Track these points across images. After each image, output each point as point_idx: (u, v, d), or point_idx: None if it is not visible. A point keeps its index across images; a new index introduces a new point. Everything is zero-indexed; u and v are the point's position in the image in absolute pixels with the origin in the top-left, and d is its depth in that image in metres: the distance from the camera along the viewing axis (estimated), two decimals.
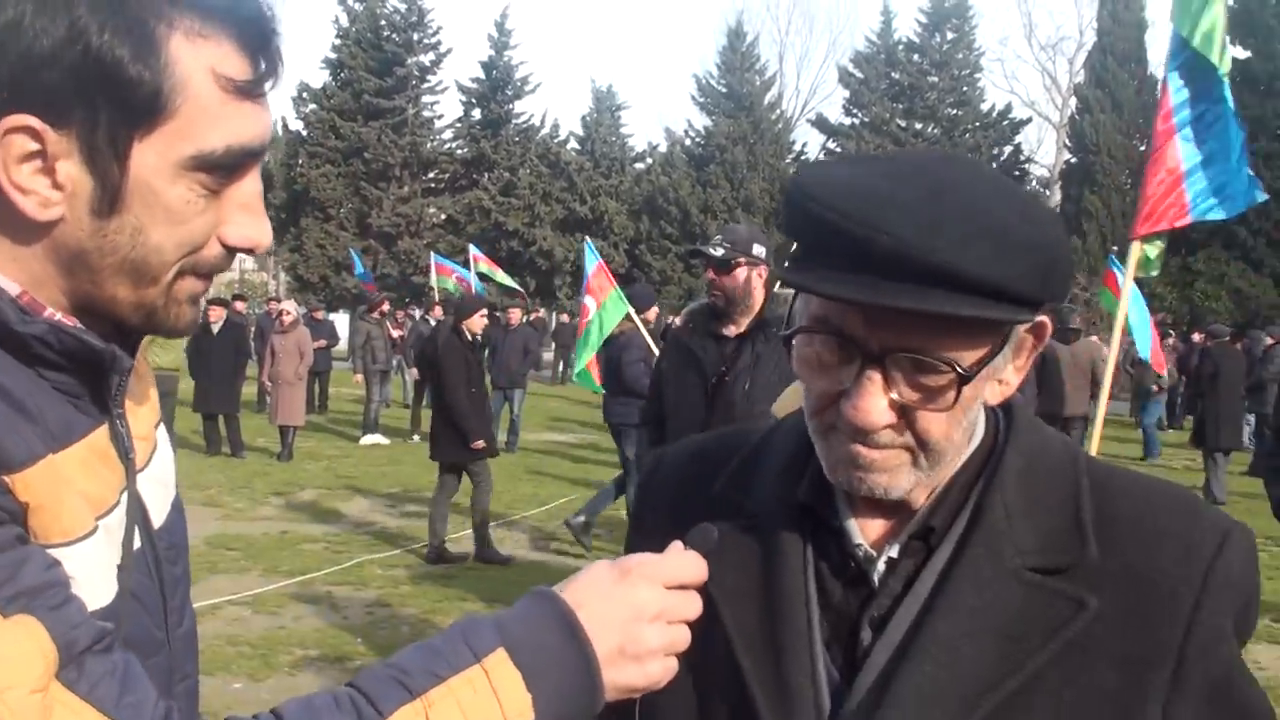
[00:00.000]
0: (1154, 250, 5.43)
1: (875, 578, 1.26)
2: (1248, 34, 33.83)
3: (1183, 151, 5.07)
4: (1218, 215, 4.94)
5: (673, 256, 42.16)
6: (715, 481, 1.39)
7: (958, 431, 1.21)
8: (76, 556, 1.10)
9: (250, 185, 1.19)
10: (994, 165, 39.65)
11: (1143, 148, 40.62)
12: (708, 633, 1.25)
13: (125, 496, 1.21)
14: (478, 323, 10.02)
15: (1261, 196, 5.35)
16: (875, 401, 1.16)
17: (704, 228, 38.79)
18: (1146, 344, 12.94)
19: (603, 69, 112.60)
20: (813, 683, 1.25)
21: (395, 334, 20.94)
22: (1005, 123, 44.81)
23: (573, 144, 46.67)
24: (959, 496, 1.27)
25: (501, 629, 1.12)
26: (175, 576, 1.31)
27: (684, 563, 1.20)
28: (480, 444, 9.56)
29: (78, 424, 1.15)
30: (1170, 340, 22.02)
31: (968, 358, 1.16)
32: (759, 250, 4.93)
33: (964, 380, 1.16)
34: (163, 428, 1.38)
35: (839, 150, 43.39)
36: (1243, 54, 33.95)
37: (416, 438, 17.44)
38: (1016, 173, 43.06)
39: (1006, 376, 1.25)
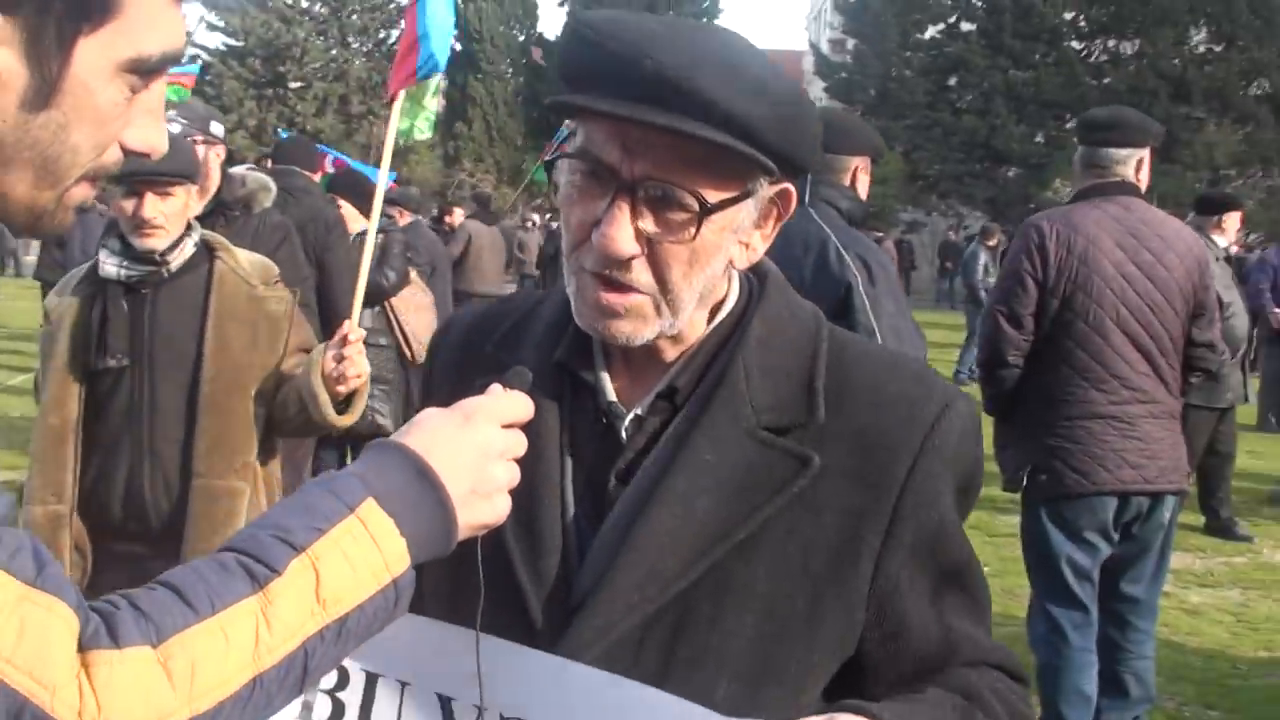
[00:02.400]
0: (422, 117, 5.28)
1: (623, 433, 1.35)
2: None
3: (417, 22, 4.98)
4: (421, 76, 4.61)
5: None
6: (487, 343, 1.45)
7: (697, 278, 1.29)
8: None
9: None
10: (384, 49, 44.19)
11: (521, 37, 48.51)
12: None
13: None
14: None
15: (450, 36, 5.26)
16: (623, 229, 1.23)
17: None
18: None
19: None
20: (562, 529, 1.34)
21: None
22: (392, 5, 48.95)
23: None
24: (705, 359, 1.36)
25: (364, 481, 1.14)
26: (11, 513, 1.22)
27: (515, 402, 1.24)
28: None
29: None
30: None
31: (712, 195, 1.24)
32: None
33: (705, 212, 1.24)
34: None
35: None
36: None
37: None
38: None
39: (752, 241, 1.34)
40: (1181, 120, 32.95)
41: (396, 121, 3.94)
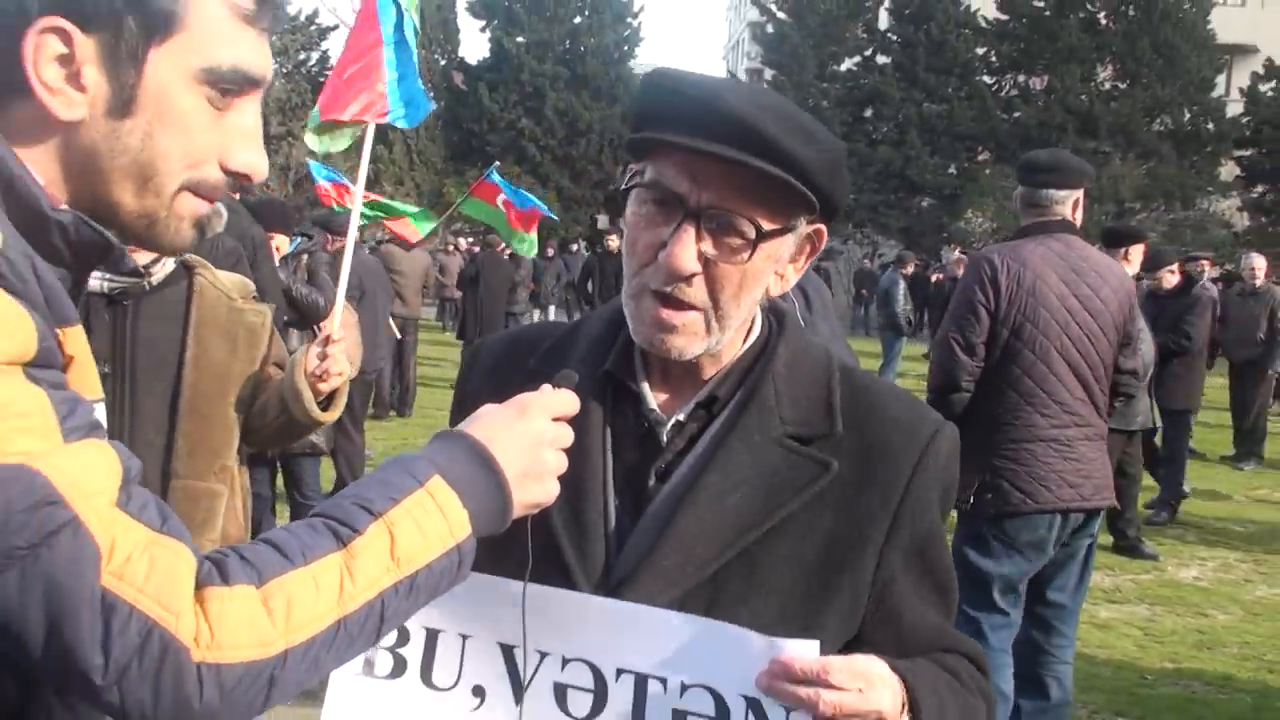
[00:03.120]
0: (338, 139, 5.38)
1: (664, 437, 1.55)
2: None
3: (387, 61, 5.18)
4: (404, 124, 5.05)
5: None
6: (530, 359, 1.62)
7: (745, 300, 1.49)
8: (97, 414, 1.23)
9: (252, 116, 1.32)
10: (304, 70, 44.25)
11: (443, 61, 48.24)
12: None
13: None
14: None
15: (431, 106, 6.03)
16: (687, 249, 1.42)
17: None
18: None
19: None
20: (604, 519, 1.52)
21: None
22: (313, 27, 48.72)
23: None
24: (739, 377, 1.57)
25: (433, 461, 1.30)
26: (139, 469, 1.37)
27: (564, 398, 1.41)
28: None
29: (77, 315, 1.25)
30: None
31: (765, 224, 1.44)
32: None
33: (759, 238, 1.44)
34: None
35: None
36: None
37: None
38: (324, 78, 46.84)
39: (786, 272, 1.55)
40: (1088, 154, 33.96)
41: (370, 146, 4.16)
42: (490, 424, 1.36)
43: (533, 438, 1.37)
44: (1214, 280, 13.86)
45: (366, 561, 1.22)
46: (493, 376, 1.61)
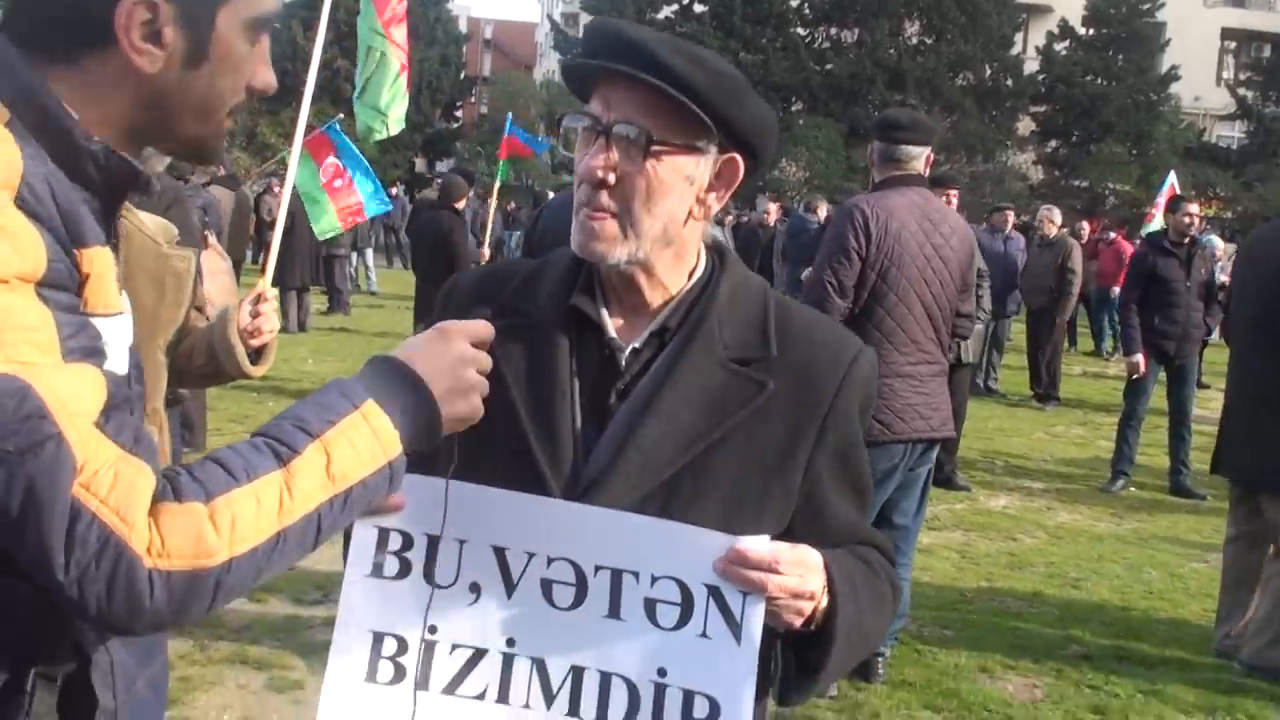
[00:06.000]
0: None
1: (622, 362, 1.74)
2: None
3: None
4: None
5: None
6: (502, 294, 1.81)
7: (655, 209, 1.67)
8: (113, 328, 1.40)
9: (267, 42, 1.54)
10: None
11: None
12: (500, 399, 1.67)
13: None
14: None
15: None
16: (597, 158, 1.65)
17: None
18: None
19: None
20: (572, 433, 1.71)
21: None
22: None
23: None
24: (686, 308, 1.76)
25: (367, 385, 1.45)
26: (137, 393, 1.54)
27: (480, 325, 1.57)
28: None
29: (103, 240, 1.42)
30: None
31: (659, 134, 1.64)
32: None
33: (649, 143, 1.63)
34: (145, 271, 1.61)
35: None
36: None
37: None
38: None
39: (707, 200, 1.74)
40: (896, 107, 35.16)
41: (306, 112, 4.22)
42: (416, 348, 1.52)
43: (454, 357, 1.52)
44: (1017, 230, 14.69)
45: (304, 479, 1.36)
46: (467, 311, 1.72)
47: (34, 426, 1.23)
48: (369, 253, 23.54)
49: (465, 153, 44.30)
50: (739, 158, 1.73)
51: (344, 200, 8.75)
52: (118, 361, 1.41)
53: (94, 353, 1.33)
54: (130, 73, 1.42)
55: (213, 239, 7.10)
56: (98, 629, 1.45)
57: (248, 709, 4.71)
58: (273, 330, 3.26)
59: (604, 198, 1.68)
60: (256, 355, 3.26)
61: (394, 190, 31.49)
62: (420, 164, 45.28)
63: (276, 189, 21.21)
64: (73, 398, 1.26)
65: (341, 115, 10.00)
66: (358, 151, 9.00)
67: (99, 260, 1.38)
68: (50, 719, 1.47)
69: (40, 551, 1.24)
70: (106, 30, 1.39)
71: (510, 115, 14.64)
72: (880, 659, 5.31)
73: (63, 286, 1.31)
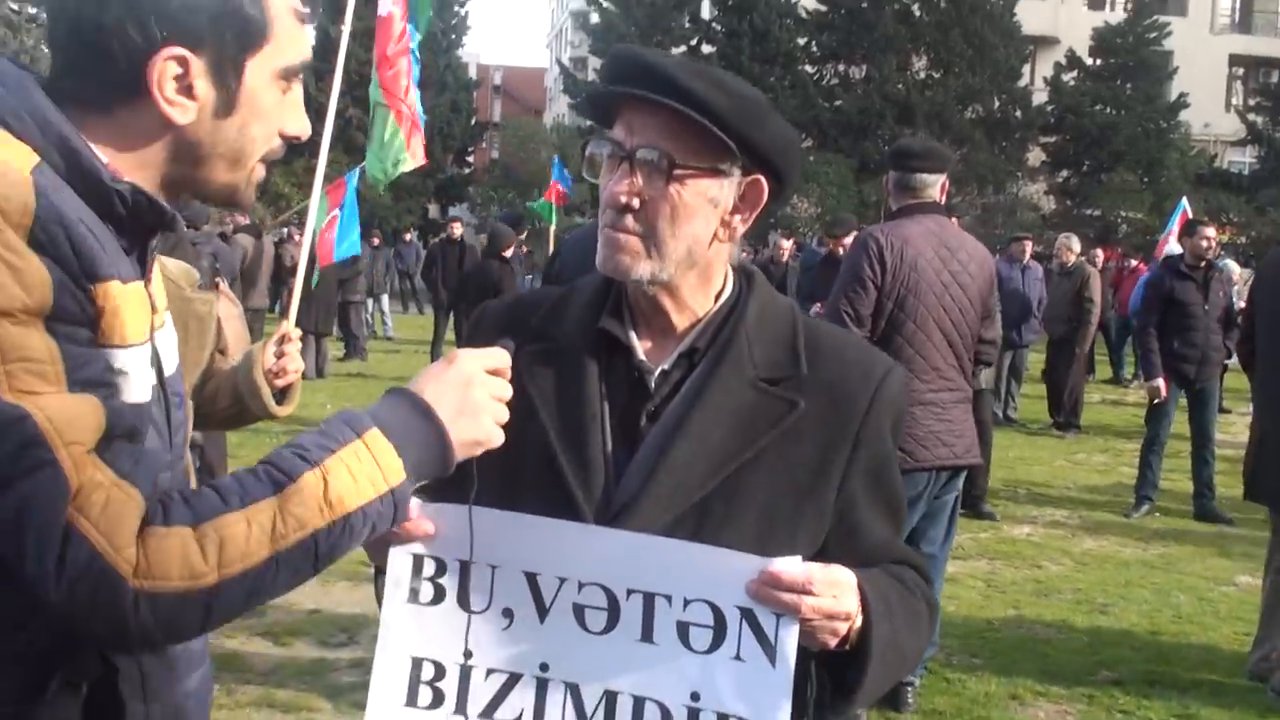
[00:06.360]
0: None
1: (651, 384, 1.74)
2: None
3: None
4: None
5: None
6: (532, 319, 1.82)
7: (680, 231, 1.68)
8: (132, 358, 1.45)
9: (299, 90, 1.59)
10: None
11: None
12: (531, 424, 1.69)
13: (154, 337, 1.55)
14: None
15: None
16: (622, 183, 1.66)
17: None
18: None
19: None
20: (604, 455, 1.71)
21: None
22: None
23: None
24: (715, 329, 1.76)
25: (373, 414, 1.49)
26: (178, 420, 1.63)
27: (493, 351, 1.60)
28: None
29: (132, 272, 1.49)
30: None
31: (681, 158, 1.65)
32: None
33: (672, 166, 1.64)
34: (170, 314, 1.70)
35: None
36: None
37: None
38: None
39: (732, 222, 1.74)
40: (909, 137, 35.21)
41: (324, 161, 4.35)
42: (425, 376, 1.56)
43: (462, 380, 1.54)
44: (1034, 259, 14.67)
45: (299, 506, 1.40)
46: (493, 339, 1.74)
47: (32, 454, 1.30)
48: (384, 299, 23.68)
49: (478, 198, 44.52)
50: (763, 179, 1.73)
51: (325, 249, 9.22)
52: (138, 390, 1.47)
53: (102, 384, 1.39)
54: (163, 123, 1.49)
55: (224, 285, 7.12)
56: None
57: None
58: (298, 370, 3.29)
59: (629, 221, 1.68)
60: (281, 395, 3.28)
61: (408, 236, 31.68)
62: (433, 210, 45.49)
63: (297, 237, 21.44)
64: (69, 427, 1.32)
65: (363, 165, 10.22)
66: (355, 202, 9.28)
67: (117, 294, 1.43)
68: None
69: (34, 570, 1.31)
70: (139, 83, 1.47)
71: (557, 158, 15.10)
72: (910, 688, 5.28)
73: (73, 320, 1.38)
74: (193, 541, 1.35)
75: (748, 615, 1.57)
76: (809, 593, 1.55)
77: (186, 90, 1.48)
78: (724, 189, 1.71)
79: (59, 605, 1.32)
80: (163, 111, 1.48)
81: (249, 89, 1.53)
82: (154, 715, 1.59)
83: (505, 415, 1.59)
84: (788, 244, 18.90)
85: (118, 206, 1.47)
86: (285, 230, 24.12)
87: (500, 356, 1.61)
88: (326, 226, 9.21)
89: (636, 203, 1.68)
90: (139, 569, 1.32)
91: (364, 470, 1.44)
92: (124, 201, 1.47)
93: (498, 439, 1.58)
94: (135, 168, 1.51)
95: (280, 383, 3.25)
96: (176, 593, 1.34)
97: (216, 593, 1.36)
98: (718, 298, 1.81)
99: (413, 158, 6.60)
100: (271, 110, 1.56)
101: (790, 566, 1.56)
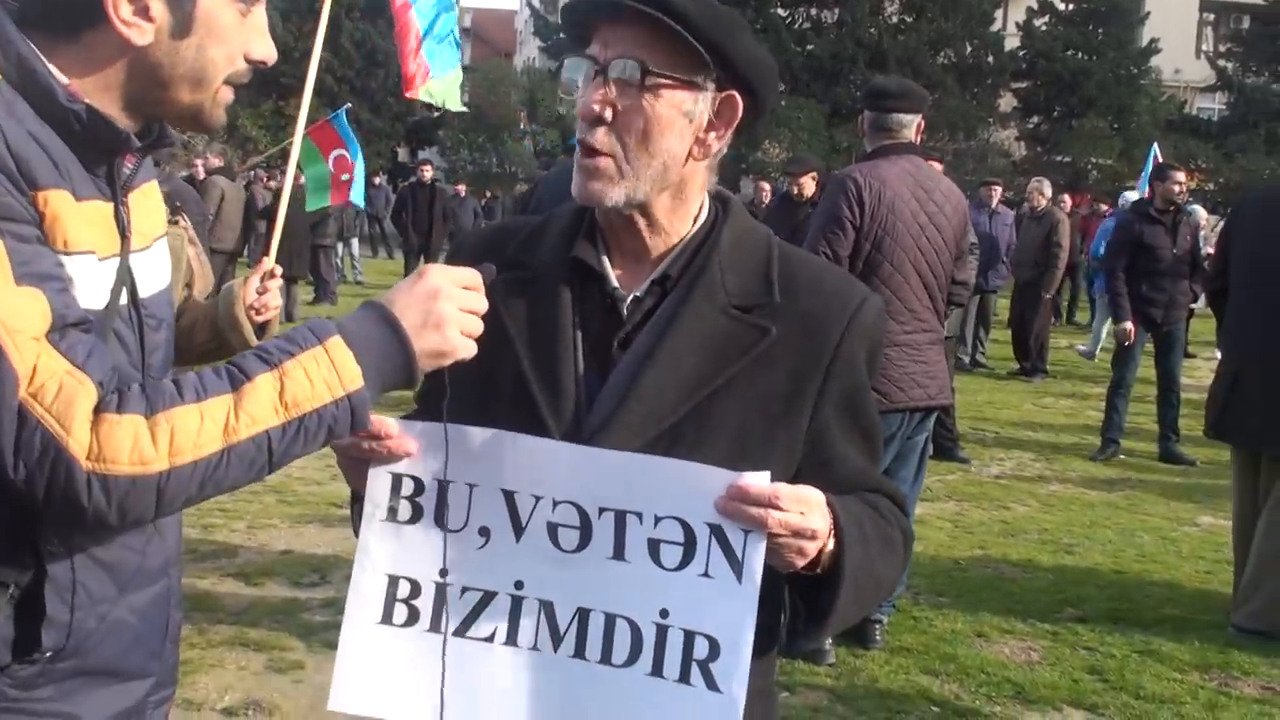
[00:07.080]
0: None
1: (624, 311, 1.74)
2: None
3: (418, 21, 6.31)
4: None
5: None
6: (509, 248, 1.82)
7: (653, 147, 1.67)
8: (76, 265, 1.51)
9: (262, 14, 1.62)
10: None
11: None
12: (505, 352, 1.72)
13: (118, 261, 1.59)
14: None
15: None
16: (594, 93, 1.66)
17: None
18: None
19: None
20: (575, 382, 1.72)
21: None
22: None
23: None
24: (688, 256, 1.76)
25: (338, 323, 1.54)
26: (155, 342, 1.67)
27: (466, 270, 1.61)
28: None
29: (93, 192, 1.57)
30: None
31: (654, 66, 1.64)
32: None
33: (645, 74, 1.64)
34: (165, 243, 1.76)
35: None
36: None
37: None
38: None
39: (707, 139, 1.72)
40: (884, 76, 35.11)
41: (308, 104, 4.54)
42: (395, 289, 1.60)
43: (428, 292, 1.57)
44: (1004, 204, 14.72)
45: (253, 403, 1.47)
46: (474, 263, 1.74)
47: None
48: (354, 243, 23.50)
49: (448, 141, 44.09)
50: (738, 95, 1.72)
51: (343, 190, 9.20)
52: (90, 297, 1.54)
53: (49, 278, 1.45)
54: (123, 46, 1.55)
55: (184, 221, 7.07)
56: (64, 540, 1.57)
57: (249, 690, 4.72)
58: (278, 307, 3.32)
59: (601, 135, 1.68)
60: (260, 331, 3.29)
61: (377, 179, 31.37)
62: (403, 153, 45.11)
63: (266, 180, 21.25)
64: (14, 315, 1.39)
65: (349, 105, 10.12)
66: (355, 140, 9.18)
67: (58, 203, 1.49)
68: (6, 624, 1.56)
69: None
70: (99, 8, 1.52)
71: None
72: (878, 626, 5.35)
73: (18, 219, 1.43)
74: (145, 429, 1.42)
75: (717, 532, 1.58)
76: (776, 507, 1.55)
77: (143, 12, 1.54)
78: (698, 103, 1.70)
79: (20, 485, 1.40)
80: (120, 34, 1.54)
81: (204, 10, 1.58)
82: (84, 625, 1.61)
83: (476, 328, 1.60)
84: (767, 187, 18.87)
85: (74, 125, 1.53)
86: (253, 173, 23.86)
87: (470, 274, 1.62)
88: (345, 169, 9.10)
89: (609, 114, 1.67)
90: (91, 452, 1.40)
91: (321, 374, 1.50)
92: (80, 120, 1.53)
93: (464, 350, 1.60)
94: (100, 90, 1.57)
95: (259, 319, 3.26)
96: (128, 476, 1.41)
97: (167, 479, 1.43)
98: (694, 222, 1.80)
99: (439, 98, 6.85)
100: (230, 32, 1.61)
101: (758, 480, 1.56)
